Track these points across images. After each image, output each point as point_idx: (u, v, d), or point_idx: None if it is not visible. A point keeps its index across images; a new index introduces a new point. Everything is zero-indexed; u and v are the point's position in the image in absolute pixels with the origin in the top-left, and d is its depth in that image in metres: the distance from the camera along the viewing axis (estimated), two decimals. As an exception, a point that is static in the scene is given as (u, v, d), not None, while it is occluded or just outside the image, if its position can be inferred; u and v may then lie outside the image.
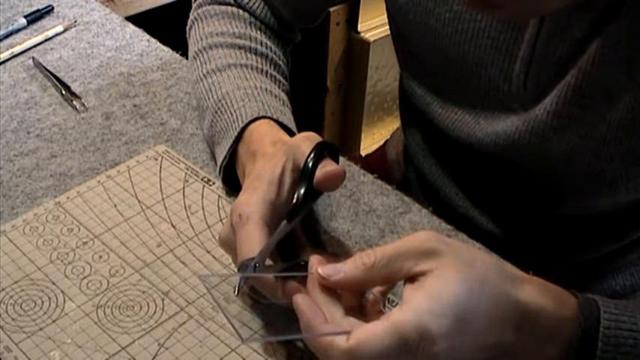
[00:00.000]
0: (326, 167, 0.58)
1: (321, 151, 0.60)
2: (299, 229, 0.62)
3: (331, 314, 0.49)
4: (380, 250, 0.49)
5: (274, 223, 0.58)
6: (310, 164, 0.58)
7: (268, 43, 0.80)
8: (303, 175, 0.58)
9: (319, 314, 0.49)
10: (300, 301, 0.49)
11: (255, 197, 0.58)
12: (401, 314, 0.46)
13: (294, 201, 0.58)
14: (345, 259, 0.51)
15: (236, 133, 0.68)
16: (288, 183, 0.60)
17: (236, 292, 0.55)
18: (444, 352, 0.45)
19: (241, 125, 0.68)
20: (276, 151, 0.63)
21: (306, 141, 0.61)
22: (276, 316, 0.60)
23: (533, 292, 0.49)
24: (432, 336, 0.45)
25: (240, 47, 0.78)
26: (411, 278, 0.48)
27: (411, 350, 0.45)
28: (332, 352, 0.46)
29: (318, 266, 0.50)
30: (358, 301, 0.53)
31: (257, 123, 0.68)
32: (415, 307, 0.46)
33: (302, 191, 0.58)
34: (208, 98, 0.73)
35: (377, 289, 0.54)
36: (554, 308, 0.50)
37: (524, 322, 0.49)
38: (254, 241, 0.56)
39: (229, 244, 0.59)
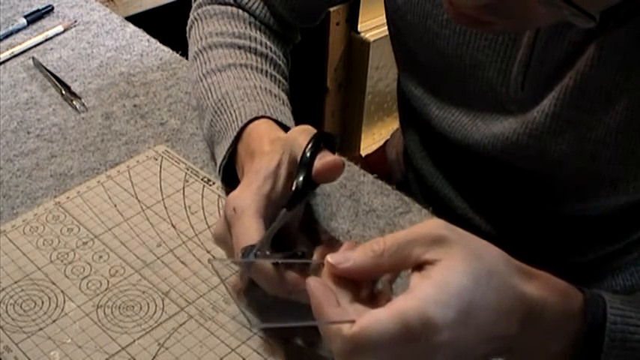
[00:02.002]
0: (325, 158, 0.58)
1: (319, 141, 0.60)
2: (294, 221, 0.62)
3: (339, 300, 0.49)
4: (390, 238, 0.49)
5: (269, 216, 0.58)
6: (309, 153, 0.58)
7: (268, 43, 0.80)
8: (302, 163, 0.58)
9: (330, 297, 0.48)
10: (312, 283, 0.49)
11: (249, 191, 0.58)
12: (405, 302, 0.45)
13: (294, 188, 0.58)
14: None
15: (235, 133, 0.68)
16: (283, 175, 0.60)
17: (243, 279, 0.55)
18: (447, 342, 0.45)
19: (240, 125, 0.68)
20: (273, 148, 0.63)
21: (303, 133, 0.61)
22: (281, 305, 0.60)
23: (539, 286, 0.49)
24: (436, 326, 0.45)
25: (239, 47, 0.78)
26: (419, 266, 0.48)
27: (414, 339, 0.45)
28: (336, 338, 0.46)
29: (329, 254, 0.50)
30: (370, 290, 0.53)
31: (256, 123, 0.68)
32: (420, 296, 0.45)
33: (301, 179, 0.58)
34: (208, 98, 0.73)
35: (385, 278, 0.53)
36: (560, 303, 0.50)
37: (530, 316, 0.48)
38: (251, 232, 0.56)
39: (223, 238, 0.59)
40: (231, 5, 0.82)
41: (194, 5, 0.86)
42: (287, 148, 0.61)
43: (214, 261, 0.63)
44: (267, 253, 0.56)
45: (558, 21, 0.55)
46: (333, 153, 0.61)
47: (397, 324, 0.45)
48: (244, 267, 0.55)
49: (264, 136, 0.66)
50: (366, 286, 0.51)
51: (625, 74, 0.60)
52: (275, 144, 0.63)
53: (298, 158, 0.59)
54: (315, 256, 0.57)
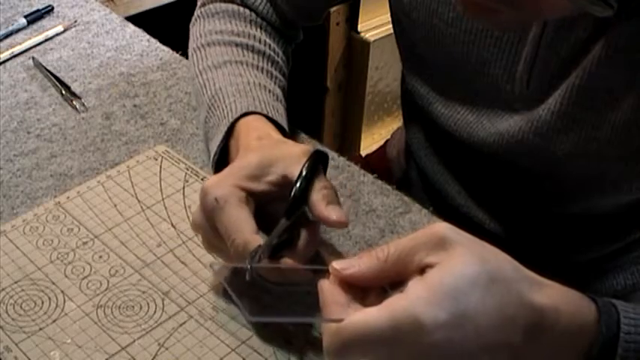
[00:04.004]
0: (337, 212, 0.58)
1: (318, 160, 0.60)
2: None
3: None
4: (394, 244, 0.48)
5: (252, 208, 0.58)
6: (305, 171, 0.59)
7: (267, 40, 0.80)
8: (301, 176, 0.59)
9: (337, 297, 0.48)
10: (323, 285, 0.49)
11: (228, 181, 0.58)
12: (397, 300, 0.45)
13: (292, 196, 0.58)
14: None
15: (226, 128, 0.68)
16: (269, 181, 0.60)
17: (247, 278, 0.55)
18: (440, 344, 0.44)
19: (231, 120, 0.68)
20: (262, 147, 0.62)
21: (306, 154, 0.61)
22: (281, 303, 0.60)
23: (551, 296, 0.48)
24: (425, 327, 0.44)
25: (237, 44, 0.78)
26: (422, 270, 0.47)
27: (403, 339, 0.44)
28: (328, 334, 0.46)
29: (334, 261, 0.50)
30: (382, 299, 0.52)
31: (247, 118, 0.68)
32: (412, 296, 0.45)
33: (299, 187, 0.58)
34: (203, 94, 0.74)
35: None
36: (573, 314, 0.49)
37: (539, 326, 0.47)
38: (240, 222, 0.56)
39: (203, 226, 0.59)
40: (235, 3, 0.82)
41: (198, 3, 0.86)
42: (282, 166, 0.60)
43: (215, 265, 0.63)
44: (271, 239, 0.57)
45: (569, 13, 0.55)
46: (326, 171, 0.61)
47: (386, 321, 0.44)
48: (248, 274, 0.56)
49: (253, 132, 0.66)
50: (375, 294, 0.51)
51: (631, 73, 0.60)
52: (264, 142, 0.63)
53: (296, 173, 0.59)
54: (302, 236, 0.58)
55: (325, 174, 0.61)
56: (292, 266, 0.56)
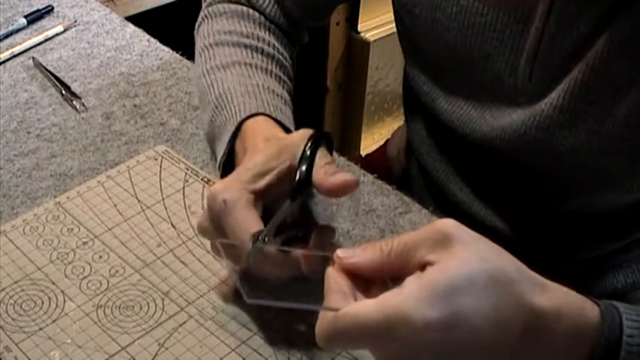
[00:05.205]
0: (338, 176, 0.58)
1: (319, 139, 0.60)
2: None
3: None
4: (398, 238, 0.48)
5: (259, 210, 0.58)
6: (309, 151, 0.59)
7: (275, 43, 0.80)
8: (303, 157, 0.59)
9: (342, 285, 0.48)
10: (329, 272, 0.49)
11: (237, 184, 0.58)
12: (391, 296, 0.45)
13: (297, 179, 0.58)
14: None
15: (233, 129, 0.68)
16: (275, 178, 0.60)
17: (250, 260, 0.55)
18: (437, 344, 0.44)
19: (238, 120, 0.68)
20: (267, 145, 0.62)
21: (305, 139, 0.61)
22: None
23: (553, 298, 0.48)
24: (415, 325, 0.44)
25: (246, 46, 0.78)
26: (423, 267, 0.47)
27: (395, 335, 0.44)
28: (323, 318, 0.47)
29: (339, 249, 0.50)
30: (384, 291, 0.52)
31: (255, 119, 0.68)
32: (405, 292, 0.45)
33: (304, 168, 0.58)
34: (210, 94, 0.74)
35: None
36: (576, 316, 0.49)
37: (540, 328, 0.47)
38: (248, 224, 0.56)
39: (209, 230, 0.59)
40: (242, 4, 0.82)
41: (204, 4, 0.86)
42: (289, 154, 0.60)
43: (222, 241, 0.63)
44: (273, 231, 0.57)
45: None
46: (331, 153, 0.61)
47: (379, 316, 0.44)
48: (251, 255, 0.55)
49: (260, 132, 0.66)
50: (379, 285, 0.50)
51: (634, 67, 0.60)
52: (270, 143, 0.63)
53: (298, 158, 0.59)
54: (312, 237, 0.58)
55: (331, 154, 0.61)
56: (293, 249, 0.56)
